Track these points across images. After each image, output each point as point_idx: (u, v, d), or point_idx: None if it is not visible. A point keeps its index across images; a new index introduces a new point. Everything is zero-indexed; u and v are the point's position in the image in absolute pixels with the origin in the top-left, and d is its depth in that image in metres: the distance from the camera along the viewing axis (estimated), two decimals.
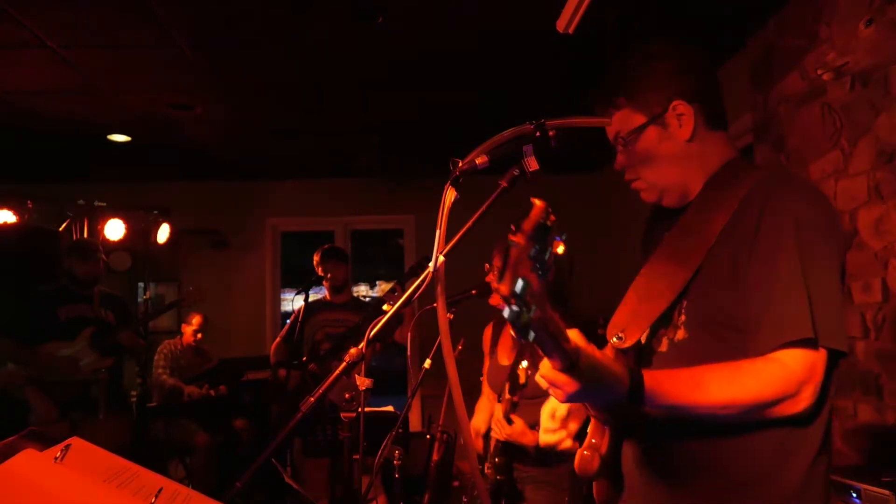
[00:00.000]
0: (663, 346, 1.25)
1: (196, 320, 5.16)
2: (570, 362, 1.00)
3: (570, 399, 1.06)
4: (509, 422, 2.32)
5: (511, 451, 2.43)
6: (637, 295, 1.30)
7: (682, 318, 1.21)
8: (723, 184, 1.26)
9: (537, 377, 1.09)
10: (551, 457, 2.36)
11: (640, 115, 1.27)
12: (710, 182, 1.28)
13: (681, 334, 1.21)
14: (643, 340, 1.27)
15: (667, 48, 1.29)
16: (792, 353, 1.07)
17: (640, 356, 1.28)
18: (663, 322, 1.24)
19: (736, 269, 1.15)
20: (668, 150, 1.27)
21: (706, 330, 1.18)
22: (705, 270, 1.19)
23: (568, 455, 2.15)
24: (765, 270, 1.11)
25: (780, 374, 1.06)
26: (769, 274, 1.11)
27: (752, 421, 1.11)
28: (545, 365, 1.04)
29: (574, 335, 1.02)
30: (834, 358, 1.10)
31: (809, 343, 1.06)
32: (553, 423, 1.36)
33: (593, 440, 1.28)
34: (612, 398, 1.07)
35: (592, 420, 1.31)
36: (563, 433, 1.36)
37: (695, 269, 1.19)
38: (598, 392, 1.07)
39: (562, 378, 1.02)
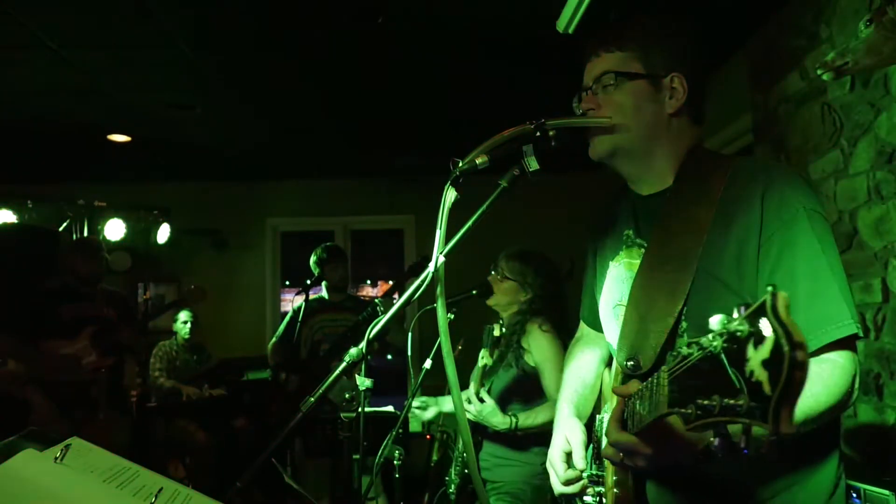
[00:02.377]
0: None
1: (183, 315, 5.16)
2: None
3: (649, 467, 0.97)
4: (480, 400, 2.31)
5: (481, 431, 2.44)
6: (638, 312, 1.19)
7: (685, 325, 1.13)
8: (696, 174, 1.20)
9: (605, 449, 1.01)
10: (521, 439, 2.37)
11: (638, 66, 1.21)
12: (682, 174, 1.22)
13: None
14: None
15: (693, 29, 1.27)
16: (840, 351, 1.03)
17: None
18: (673, 336, 1.14)
19: (743, 266, 1.08)
20: (648, 111, 1.21)
21: None
22: (704, 271, 1.11)
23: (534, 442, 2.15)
24: (782, 266, 1.05)
25: (840, 374, 1.02)
26: (789, 269, 1.05)
27: None
28: (612, 431, 0.97)
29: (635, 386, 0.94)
30: None
31: (853, 338, 1.03)
32: (574, 471, 1.27)
33: (615, 477, 1.18)
34: (690, 454, 0.94)
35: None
36: (585, 481, 1.28)
37: (692, 273, 1.12)
38: (674, 452, 0.95)
39: (638, 444, 0.94)
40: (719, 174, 1.15)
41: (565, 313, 2.55)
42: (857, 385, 1.04)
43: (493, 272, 2.59)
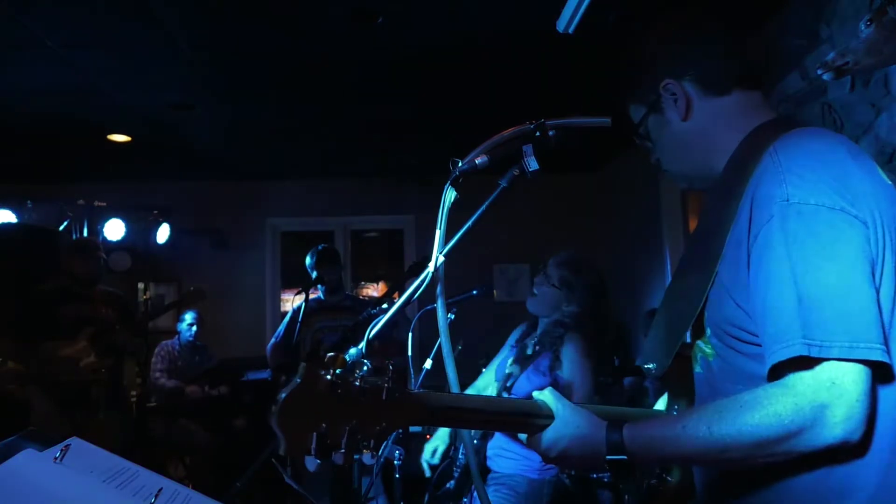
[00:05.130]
0: (699, 367, 1.11)
1: (188, 317, 5.16)
2: (531, 433, 1.04)
3: (550, 463, 1.07)
4: None
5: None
6: (665, 314, 1.16)
7: (708, 330, 1.06)
8: (737, 165, 1.06)
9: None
10: (510, 452, 2.40)
11: (642, 107, 1.19)
12: (728, 165, 1.09)
13: (709, 349, 1.07)
14: (689, 356, 1.15)
15: (649, 27, 1.21)
16: (799, 373, 0.86)
17: (688, 378, 1.16)
18: (699, 337, 1.09)
19: (738, 273, 0.97)
20: (670, 137, 1.17)
21: (724, 343, 1.02)
22: (718, 275, 1.01)
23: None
24: (760, 276, 0.93)
25: (785, 401, 0.86)
26: (763, 280, 0.92)
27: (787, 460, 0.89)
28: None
29: (546, 396, 1.05)
30: (877, 367, 0.86)
31: (807, 359, 0.86)
32: None
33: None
34: (592, 463, 1.01)
35: None
36: None
37: (711, 276, 1.01)
38: (571, 459, 1.04)
39: (530, 448, 1.04)
40: (756, 160, 0.99)
41: (605, 329, 2.52)
42: (839, 415, 0.84)
43: (541, 275, 2.55)
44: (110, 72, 3.71)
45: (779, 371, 0.88)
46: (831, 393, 0.84)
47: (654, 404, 1.37)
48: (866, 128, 2.45)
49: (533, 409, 1.04)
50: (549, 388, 1.06)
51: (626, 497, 2.84)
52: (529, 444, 1.05)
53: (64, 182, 5.89)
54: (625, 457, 0.97)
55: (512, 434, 1.05)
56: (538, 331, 2.54)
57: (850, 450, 0.87)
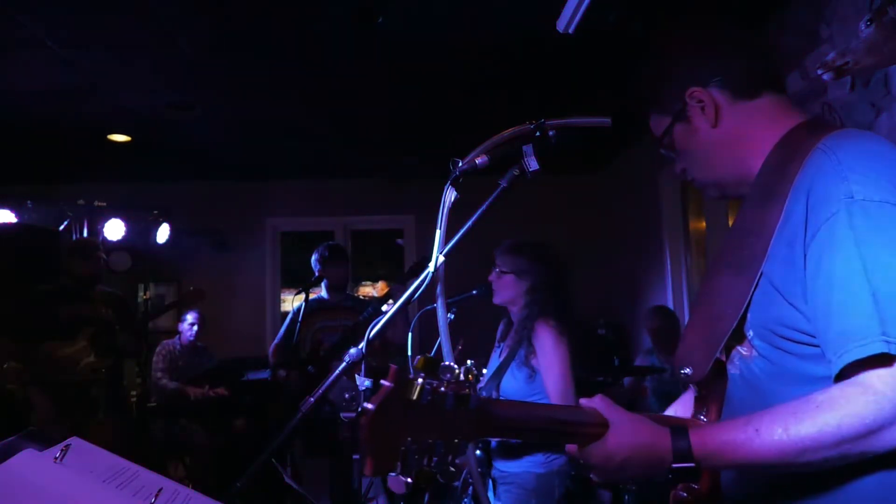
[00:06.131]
0: (736, 368, 1.09)
1: (190, 317, 5.16)
2: (582, 443, 0.97)
3: (605, 479, 1.01)
4: None
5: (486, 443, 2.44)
6: (700, 316, 1.14)
7: (751, 332, 1.03)
8: (776, 167, 1.05)
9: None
10: (514, 447, 2.40)
11: (666, 117, 1.17)
12: (763, 167, 1.08)
13: (750, 351, 1.04)
14: (724, 359, 1.12)
15: (666, 36, 1.21)
16: (876, 371, 0.85)
17: (719, 382, 1.14)
18: (736, 339, 1.06)
19: (791, 273, 0.95)
20: (699, 145, 1.14)
21: (772, 344, 1.00)
22: (765, 276, 0.99)
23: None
24: (821, 273, 0.91)
25: (865, 400, 0.85)
26: (826, 277, 0.90)
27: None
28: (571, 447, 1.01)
29: (597, 403, 0.99)
30: None
31: (885, 357, 0.84)
32: None
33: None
34: (656, 472, 0.96)
35: None
36: None
37: (755, 277, 1.00)
38: (633, 469, 0.97)
39: (583, 459, 0.98)
40: (798, 161, 0.99)
41: (571, 304, 2.53)
42: None
43: (493, 272, 2.57)
44: (110, 72, 3.71)
45: (850, 369, 0.87)
46: None
47: (653, 404, 1.36)
48: (866, 128, 2.45)
49: (583, 416, 0.99)
50: (600, 395, 1.01)
51: (626, 497, 2.84)
52: (582, 455, 0.99)
53: (64, 182, 5.89)
54: (692, 464, 0.94)
55: (560, 445, 0.97)
56: (515, 324, 2.56)
57: None
